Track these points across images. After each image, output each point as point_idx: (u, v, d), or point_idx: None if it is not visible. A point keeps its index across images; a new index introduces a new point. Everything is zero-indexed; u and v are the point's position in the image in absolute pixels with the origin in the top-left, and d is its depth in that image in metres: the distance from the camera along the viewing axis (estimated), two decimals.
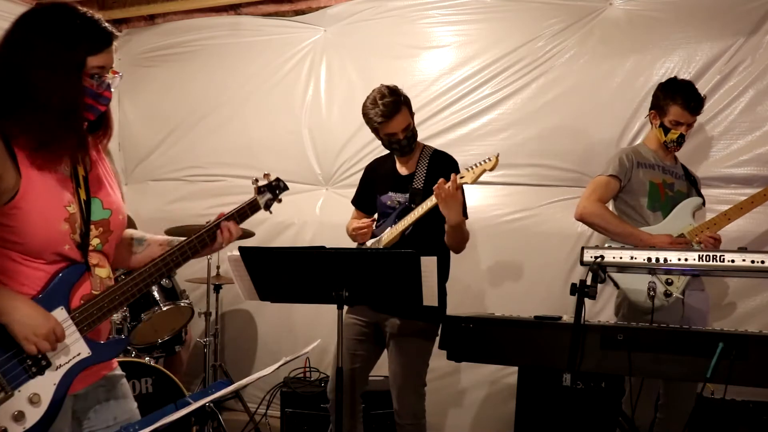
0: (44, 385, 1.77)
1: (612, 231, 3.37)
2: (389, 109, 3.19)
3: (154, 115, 5.47)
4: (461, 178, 3.03)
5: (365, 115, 3.28)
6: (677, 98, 3.39)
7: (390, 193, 3.34)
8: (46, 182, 1.79)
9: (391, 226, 3.25)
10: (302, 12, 5.06)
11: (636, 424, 3.23)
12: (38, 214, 1.76)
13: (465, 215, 3.18)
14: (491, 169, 3.03)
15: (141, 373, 3.62)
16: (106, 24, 1.84)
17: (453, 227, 3.09)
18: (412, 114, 3.30)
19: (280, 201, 2.23)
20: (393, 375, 3.28)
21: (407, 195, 3.27)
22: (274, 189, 2.21)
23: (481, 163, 3.05)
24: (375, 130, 3.31)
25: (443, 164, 3.29)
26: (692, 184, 3.56)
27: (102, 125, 1.95)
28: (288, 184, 2.29)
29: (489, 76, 4.46)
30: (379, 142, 3.40)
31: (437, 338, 3.21)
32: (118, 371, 2.02)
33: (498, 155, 3.05)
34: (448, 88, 4.55)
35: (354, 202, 3.59)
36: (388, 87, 3.26)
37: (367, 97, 3.28)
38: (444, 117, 4.54)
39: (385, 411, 3.81)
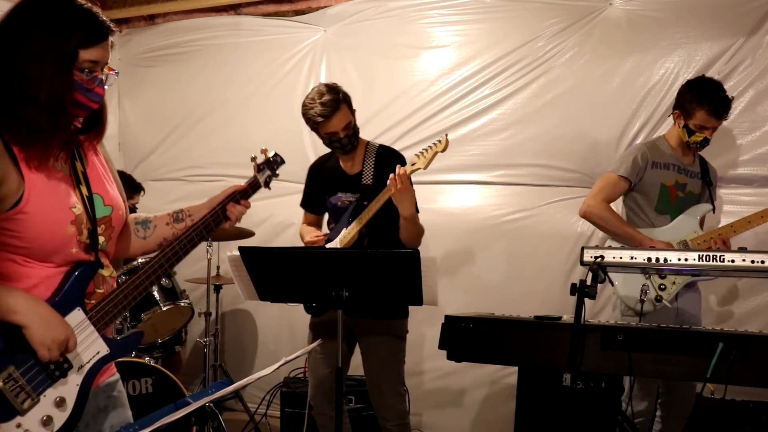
0: (68, 388, 1.75)
1: (613, 232, 3.39)
2: (328, 107, 3.12)
3: (154, 115, 5.47)
4: (413, 165, 3.02)
5: (304, 114, 3.20)
6: (704, 103, 3.31)
7: (339, 194, 3.30)
8: (49, 184, 1.73)
9: (347, 227, 3.21)
10: (302, 12, 5.07)
11: (636, 425, 3.23)
12: (44, 219, 1.70)
13: (416, 209, 3.13)
14: (443, 151, 3.00)
15: (141, 373, 3.61)
16: (104, 18, 1.77)
17: (407, 219, 3.07)
18: (352, 111, 3.23)
19: (277, 176, 2.20)
20: (370, 378, 3.27)
21: (357, 194, 3.23)
22: (272, 165, 2.18)
23: (431, 147, 3.02)
24: (315, 129, 3.23)
25: (390, 159, 3.25)
26: (707, 184, 3.52)
27: (96, 124, 1.87)
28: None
29: (489, 76, 4.46)
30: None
31: (407, 335, 3.26)
32: (114, 377, 1.98)
33: (447, 134, 3.05)
34: (448, 88, 4.55)
35: (303, 204, 3.52)
36: (326, 85, 3.20)
37: (306, 96, 3.21)
38: (444, 117, 4.54)
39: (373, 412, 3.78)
